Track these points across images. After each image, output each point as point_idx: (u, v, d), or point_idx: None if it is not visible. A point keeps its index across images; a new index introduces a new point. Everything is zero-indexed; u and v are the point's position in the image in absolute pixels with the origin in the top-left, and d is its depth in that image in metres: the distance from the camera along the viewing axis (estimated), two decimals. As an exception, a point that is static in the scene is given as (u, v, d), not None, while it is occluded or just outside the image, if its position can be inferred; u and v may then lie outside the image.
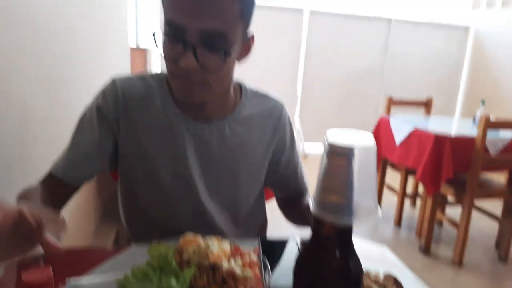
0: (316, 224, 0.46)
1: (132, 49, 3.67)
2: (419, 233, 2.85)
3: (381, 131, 3.02)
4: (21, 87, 1.08)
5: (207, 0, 0.73)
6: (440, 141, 2.40)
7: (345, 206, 0.44)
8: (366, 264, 0.76)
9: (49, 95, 1.34)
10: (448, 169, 2.40)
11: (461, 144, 2.44)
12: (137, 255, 0.72)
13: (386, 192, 3.23)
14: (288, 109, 1.08)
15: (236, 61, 0.87)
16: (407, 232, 3.07)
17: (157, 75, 0.96)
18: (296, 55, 5.02)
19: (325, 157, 0.44)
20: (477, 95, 5.23)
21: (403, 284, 0.72)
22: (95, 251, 0.94)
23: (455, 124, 3.22)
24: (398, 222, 3.09)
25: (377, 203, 0.48)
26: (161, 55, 0.81)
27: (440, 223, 3.12)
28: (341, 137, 0.44)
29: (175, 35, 0.76)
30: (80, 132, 0.91)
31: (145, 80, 0.94)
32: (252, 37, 0.88)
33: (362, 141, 0.43)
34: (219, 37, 0.76)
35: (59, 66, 1.46)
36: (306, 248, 0.47)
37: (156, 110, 0.91)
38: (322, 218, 0.45)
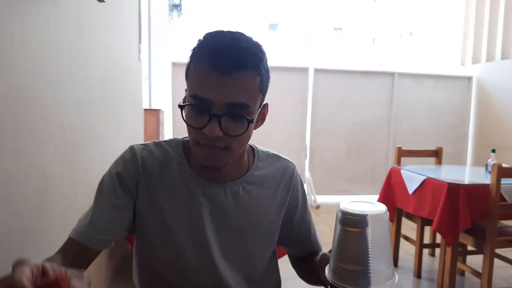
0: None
1: (145, 110, 3.81)
2: (440, 285, 2.72)
3: (393, 181, 3.00)
4: (41, 155, 1.13)
5: (233, 77, 0.79)
6: (454, 189, 2.37)
7: (361, 273, 0.45)
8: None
9: (67, 160, 1.38)
10: (465, 218, 2.34)
11: (476, 192, 2.40)
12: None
13: (403, 242, 3.14)
14: (297, 162, 1.11)
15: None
16: (428, 283, 2.93)
17: (172, 140, 1.00)
18: (303, 110, 5.14)
19: (338, 225, 0.46)
20: (486, 142, 5.22)
21: None
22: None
23: (467, 173, 3.19)
24: (418, 273, 2.97)
25: (393, 268, 0.48)
26: (186, 123, 0.85)
27: (462, 273, 2.98)
28: (353, 206, 0.45)
29: (201, 108, 0.81)
30: (101, 197, 0.93)
31: (162, 146, 0.98)
32: (267, 105, 0.93)
33: (374, 208, 0.45)
34: (242, 108, 0.82)
35: (77, 131, 1.53)
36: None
37: (172, 175, 0.95)
38: (339, 285, 0.45)
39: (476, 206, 2.38)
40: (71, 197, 1.35)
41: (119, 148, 0.95)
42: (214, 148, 0.84)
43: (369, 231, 0.44)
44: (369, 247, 0.44)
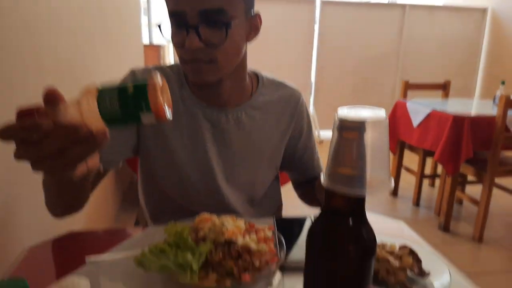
0: (328, 196, 0.46)
1: (145, 46, 3.70)
2: (438, 212, 2.82)
3: (398, 115, 2.97)
4: (39, 83, 1.11)
5: None
6: (459, 121, 2.35)
7: (357, 178, 0.44)
8: (382, 238, 0.77)
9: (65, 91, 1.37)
10: (468, 149, 2.35)
11: (481, 124, 2.38)
12: (154, 235, 0.74)
13: (404, 174, 3.19)
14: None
15: (246, 42, 0.89)
16: (425, 211, 3.03)
17: (174, 65, 0.99)
18: (309, 44, 4.97)
19: (336, 132, 0.44)
20: (496, 76, 5.07)
21: (420, 255, 0.72)
22: (114, 232, 0.97)
23: (474, 105, 3.15)
24: (417, 202, 3.06)
25: (390, 174, 0.48)
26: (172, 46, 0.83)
27: (460, 202, 3.07)
28: (352, 112, 0.43)
29: (178, 23, 0.80)
30: None
31: (163, 69, 0.97)
32: (259, 16, 0.89)
33: (373, 115, 0.43)
34: (218, 13, 0.78)
35: (75, 66, 1.49)
36: (318, 219, 0.47)
37: (174, 98, 0.94)
38: (333, 189, 0.45)
39: (479, 137, 2.38)
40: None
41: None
42: (198, 62, 0.82)
43: (368, 136, 0.43)
44: (367, 152, 0.43)
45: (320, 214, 0.47)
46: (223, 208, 0.98)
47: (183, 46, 0.80)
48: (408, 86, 3.15)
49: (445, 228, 2.61)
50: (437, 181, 3.31)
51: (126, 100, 0.45)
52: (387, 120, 0.45)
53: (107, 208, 2.12)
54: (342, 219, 0.46)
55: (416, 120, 2.72)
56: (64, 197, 0.75)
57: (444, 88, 3.30)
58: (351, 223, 0.45)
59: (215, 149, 0.96)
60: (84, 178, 0.61)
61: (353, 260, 0.45)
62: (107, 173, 0.94)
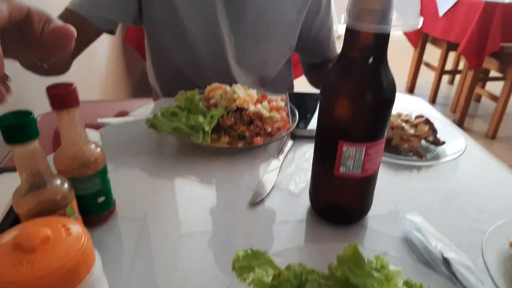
0: (349, 37, 0.42)
1: None
2: (453, 109, 2.77)
3: (423, 4, 2.73)
4: None
5: None
6: (490, 9, 2.16)
7: (383, 12, 0.39)
8: (400, 111, 0.74)
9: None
10: (495, 40, 2.20)
11: (514, 12, 2.19)
12: (166, 104, 0.72)
13: (423, 70, 3.07)
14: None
15: None
16: (441, 108, 2.99)
17: None
18: None
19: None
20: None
21: (436, 126, 0.70)
22: (127, 102, 0.97)
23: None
24: (433, 99, 3.00)
25: (419, 9, 0.43)
26: None
27: (478, 99, 3.00)
28: None
29: None
30: None
31: None
32: None
33: None
34: None
35: None
36: (336, 64, 0.44)
37: None
38: (355, 27, 0.40)
39: (510, 28, 2.20)
40: None
41: None
42: None
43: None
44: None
45: (339, 59, 0.43)
46: (236, 79, 0.96)
47: None
48: (438, -29, 2.84)
49: (459, 124, 2.59)
50: (457, 79, 3.19)
51: None
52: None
53: (119, 97, 2.12)
54: (362, 62, 0.42)
55: (443, 8, 2.50)
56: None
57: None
58: (371, 67, 0.42)
59: (227, 22, 0.89)
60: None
61: (370, 107, 0.42)
62: (100, 35, 0.86)
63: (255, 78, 1.02)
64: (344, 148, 0.44)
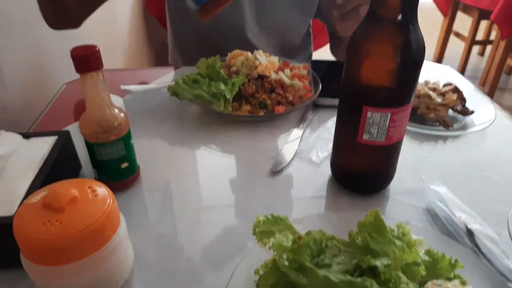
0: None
1: None
2: (483, 82, 2.66)
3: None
4: None
5: None
6: (529, -29, 2.02)
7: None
8: (427, 78, 0.72)
9: None
10: (532, 7, 2.07)
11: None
12: (187, 73, 0.72)
13: (452, 40, 2.94)
14: None
15: None
16: (470, 80, 2.87)
17: None
18: None
19: None
20: None
21: (465, 95, 0.67)
22: (151, 70, 0.97)
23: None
24: (462, 70, 2.87)
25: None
26: None
27: (509, 73, 2.87)
28: None
29: None
30: None
31: None
32: None
33: None
34: None
35: None
36: (362, 23, 0.42)
37: None
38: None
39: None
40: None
41: None
42: None
43: None
44: None
45: (365, 18, 0.41)
46: (257, 45, 0.94)
47: None
48: None
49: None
50: (487, 51, 3.04)
51: None
52: None
53: (141, 66, 2.13)
54: (389, 20, 0.40)
55: (477, -28, 2.36)
56: None
57: None
58: (399, 25, 0.40)
59: None
60: None
61: (397, 69, 0.41)
62: None
63: (275, 44, 0.99)
64: (369, 114, 0.43)
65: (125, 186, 0.51)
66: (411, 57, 0.41)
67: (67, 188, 0.33)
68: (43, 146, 0.47)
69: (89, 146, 0.46)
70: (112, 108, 0.46)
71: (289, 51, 1.03)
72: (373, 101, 0.42)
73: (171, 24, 1.01)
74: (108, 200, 0.34)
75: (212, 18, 0.90)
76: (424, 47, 0.41)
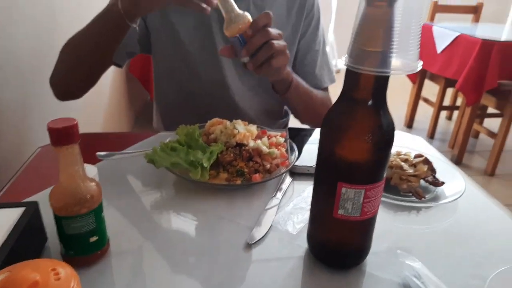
0: (348, 78, 0.43)
1: None
2: (452, 145, 2.78)
3: (422, 40, 2.78)
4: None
5: None
6: (487, 46, 2.21)
7: (383, 54, 0.40)
8: (399, 149, 0.74)
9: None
10: (492, 77, 2.24)
11: (511, 51, 2.23)
12: (165, 138, 0.73)
13: (421, 106, 3.11)
14: (323, 23, 1.02)
15: None
16: (440, 144, 3.00)
17: None
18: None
19: (363, 2, 0.40)
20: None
21: (435, 166, 0.70)
22: (127, 135, 0.97)
23: (506, 31, 2.93)
24: (431, 134, 3.01)
25: (418, 55, 0.43)
26: None
27: (476, 136, 3.02)
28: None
29: None
30: None
31: None
32: None
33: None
34: None
35: None
36: (336, 104, 0.44)
37: None
38: (355, 68, 0.41)
39: (507, 66, 2.25)
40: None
41: None
42: None
43: (399, 4, 0.38)
44: (396, 24, 0.39)
45: (337, 100, 0.44)
46: (234, 111, 0.97)
47: None
48: (436, 8, 2.93)
49: (458, 161, 2.59)
50: (455, 115, 3.22)
51: None
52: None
53: (121, 129, 2.14)
54: (361, 103, 0.42)
55: (441, 45, 2.56)
56: (93, 53, 0.79)
57: (475, 11, 3.06)
58: (370, 107, 0.42)
59: (224, 40, 0.91)
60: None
61: (369, 148, 0.42)
62: (109, 66, 0.89)
63: (257, 102, 1.01)
64: (343, 190, 0.44)
65: (93, 260, 0.48)
66: (382, 139, 0.42)
67: (28, 272, 0.32)
68: (8, 219, 0.45)
69: (57, 219, 0.45)
70: (86, 180, 0.45)
71: (270, 110, 1.05)
72: (347, 177, 0.43)
73: (156, 85, 1.04)
74: (72, 283, 0.32)
75: (196, 77, 0.94)
76: (393, 128, 0.43)
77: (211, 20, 0.90)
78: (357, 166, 0.43)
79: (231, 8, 0.66)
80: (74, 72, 0.83)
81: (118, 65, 0.93)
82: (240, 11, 0.67)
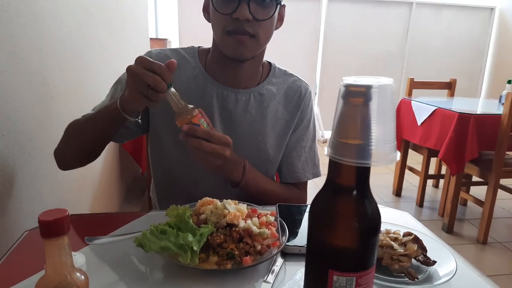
0: (332, 168, 0.45)
1: (151, 39, 3.70)
2: (441, 213, 2.79)
3: (402, 113, 2.94)
4: (40, 63, 1.11)
5: None
6: (464, 119, 2.33)
7: (363, 147, 0.43)
8: (387, 226, 0.75)
9: (68, 72, 1.36)
10: (473, 148, 2.32)
11: (486, 123, 2.35)
12: (155, 219, 0.73)
13: (407, 174, 3.17)
14: (314, 122, 1.10)
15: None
16: (429, 212, 3.01)
17: (188, 48, 1.02)
18: (314, 43, 4.95)
19: (341, 100, 0.43)
20: (502, 76, 5.02)
21: (425, 244, 0.70)
22: (116, 216, 0.96)
23: (480, 104, 3.12)
24: (420, 203, 3.03)
25: (395, 144, 0.46)
26: (213, 16, 0.88)
27: (464, 203, 3.05)
28: (357, 79, 0.42)
29: None
30: (115, 89, 0.98)
31: (178, 52, 1.00)
32: (284, 6, 0.95)
33: (379, 80, 0.42)
34: None
35: (79, 51, 1.49)
36: (321, 192, 0.46)
37: (187, 77, 0.97)
38: (337, 159, 0.43)
39: (485, 137, 2.35)
40: (75, 112, 1.34)
41: (123, 71, 0.91)
42: (243, 35, 0.85)
43: (374, 103, 0.41)
44: (373, 120, 0.42)
45: (323, 187, 0.45)
46: (230, 192, 0.97)
47: (230, 16, 0.83)
48: (413, 84, 3.13)
49: (449, 229, 2.58)
50: (441, 182, 3.28)
51: None
52: (394, 86, 0.44)
53: (111, 201, 2.11)
54: (346, 192, 0.44)
55: (420, 118, 2.69)
56: (96, 137, 0.90)
57: (449, 87, 3.27)
58: (355, 196, 0.44)
59: (221, 129, 0.96)
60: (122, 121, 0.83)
61: (356, 236, 0.43)
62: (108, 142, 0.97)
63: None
64: (335, 278, 0.43)
65: None
66: (368, 227, 0.44)
67: None
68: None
69: (43, 313, 0.43)
70: (73, 272, 0.44)
71: None
72: (337, 265, 0.43)
73: (152, 167, 1.06)
74: None
75: (189, 167, 0.96)
76: (379, 215, 0.44)
77: (212, 107, 0.96)
78: (346, 253, 0.44)
79: (178, 102, 0.77)
80: (77, 151, 0.93)
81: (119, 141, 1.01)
82: (189, 106, 0.78)
